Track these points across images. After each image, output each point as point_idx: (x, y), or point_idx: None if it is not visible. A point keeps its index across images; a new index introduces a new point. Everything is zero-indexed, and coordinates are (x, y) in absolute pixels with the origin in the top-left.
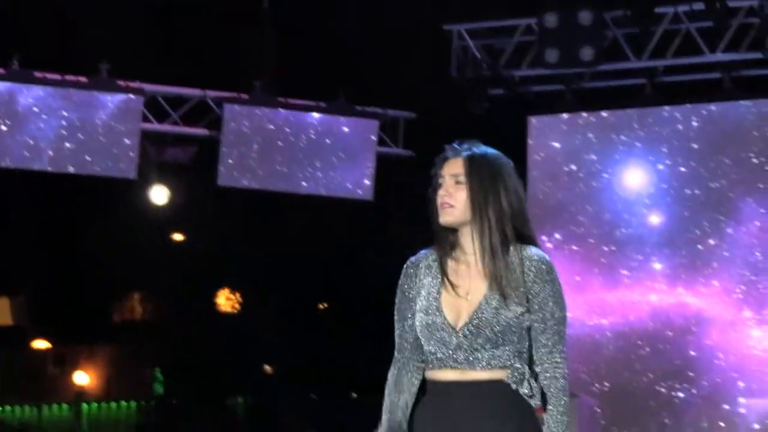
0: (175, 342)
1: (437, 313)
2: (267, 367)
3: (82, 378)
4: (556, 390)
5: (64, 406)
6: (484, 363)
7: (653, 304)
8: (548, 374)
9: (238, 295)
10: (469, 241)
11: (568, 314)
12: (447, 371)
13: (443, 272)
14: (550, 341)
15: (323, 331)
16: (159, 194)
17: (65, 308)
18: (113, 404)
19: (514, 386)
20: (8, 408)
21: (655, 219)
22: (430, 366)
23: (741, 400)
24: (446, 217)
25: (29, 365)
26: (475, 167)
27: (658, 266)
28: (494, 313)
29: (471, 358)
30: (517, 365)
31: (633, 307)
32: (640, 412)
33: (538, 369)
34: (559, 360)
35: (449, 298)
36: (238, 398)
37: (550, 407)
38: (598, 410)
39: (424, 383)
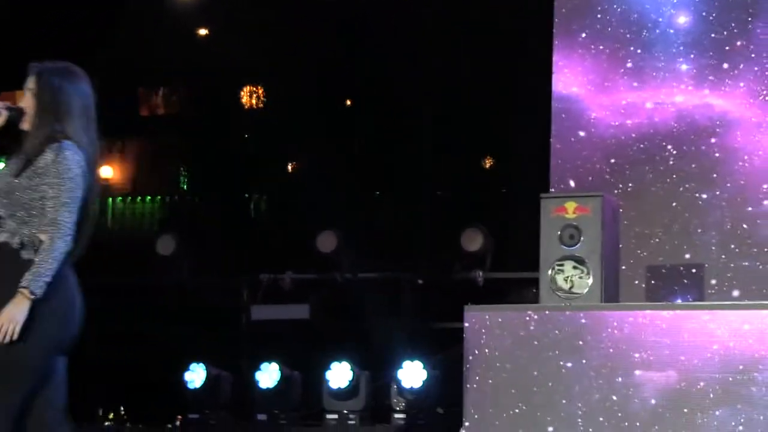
0: (200, 138)
1: None
2: (290, 165)
3: (106, 172)
4: (44, 246)
5: None
6: None
7: (679, 106)
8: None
9: (262, 90)
10: (28, 137)
11: (592, 114)
12: None
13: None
14: (51, 214)
15: (348, 129)
16: None
17: None
18: (138, 199)
19: (17, 248)
20: None
21: (682, 19)
22: None
23: (765, 202)
24: (23, 124)
25: None
26: (41, 83)
27: (684, 67)
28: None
29: None
30: (24, 231)
31: (658, 109)
32: (663, 213)
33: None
34: (52, 228)
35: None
36: (261, 195)
37: (35, 258)
38: (622, 210)
39: None
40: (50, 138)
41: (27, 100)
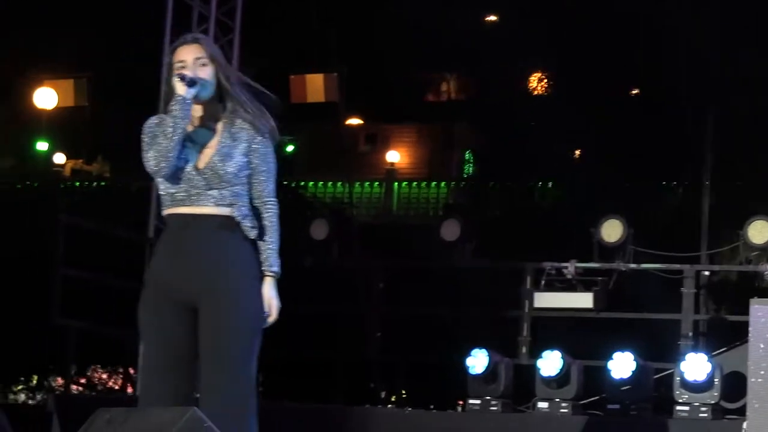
0: (487, 123)
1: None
2: (576, 152)
3: (393, 156)
4: (270, 224)
5: (375, 183)
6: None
7: None
8: (263, 212)
9: (550, 76)
10: (212, 108)
11: None
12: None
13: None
14: (265, 188)
15: (635, 118)
16: None
17: (378, 86)
18: (423, 183)
19: (237, 220)
20: (320, 184)
21: None
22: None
23: None
24: (202, 92)
25: (341, 142)
26: (211, 53)
27: None
28: (222, 162)
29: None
30: (243, 208)
31: None
32: None
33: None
34: (271, 202)
35: (192, 149)
36: (547, 182)
37: (266, 237)
38: None
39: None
40: (236, 108)
41: (195, 69)
